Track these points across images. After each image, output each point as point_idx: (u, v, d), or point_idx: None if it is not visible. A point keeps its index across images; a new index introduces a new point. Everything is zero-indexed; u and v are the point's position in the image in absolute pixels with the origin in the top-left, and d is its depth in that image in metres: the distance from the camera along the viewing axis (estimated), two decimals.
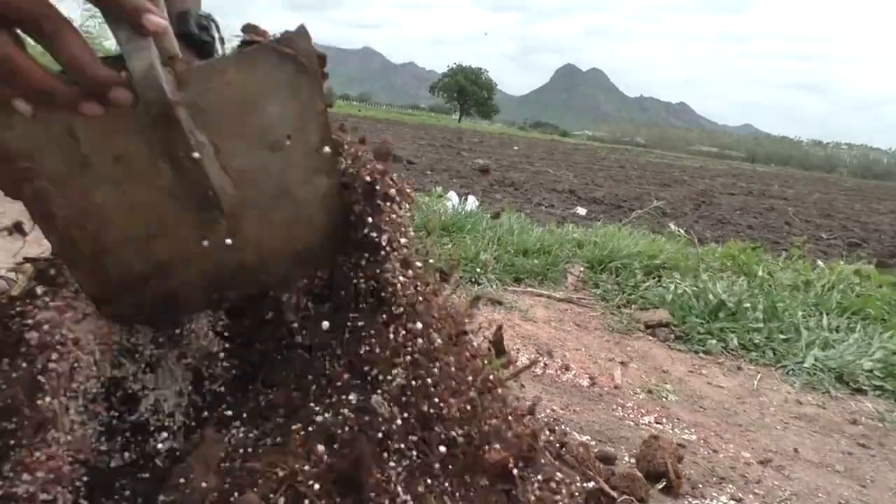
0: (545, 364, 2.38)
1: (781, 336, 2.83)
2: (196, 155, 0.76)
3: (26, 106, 0.62)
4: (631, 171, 20.16)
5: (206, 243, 0.86)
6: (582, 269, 3.44)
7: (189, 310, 0.96)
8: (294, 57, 0.76)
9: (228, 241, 0.87)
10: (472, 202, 5.75)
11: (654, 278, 3.34)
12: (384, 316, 0.92)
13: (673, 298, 3.04)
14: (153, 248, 0.85)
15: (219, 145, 0.78)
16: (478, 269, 3.20)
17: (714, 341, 2.77)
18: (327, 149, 0.85)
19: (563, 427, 1.87)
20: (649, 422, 2.05)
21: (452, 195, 6.07)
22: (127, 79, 0.65)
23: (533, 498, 0.91)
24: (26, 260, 0.96)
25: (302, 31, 0.76)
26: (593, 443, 1.82)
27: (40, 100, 0.61)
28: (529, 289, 3.17)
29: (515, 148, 25.06)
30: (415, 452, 0.86)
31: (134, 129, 0.73)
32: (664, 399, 2.24)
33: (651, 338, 2.82)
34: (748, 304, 2.96)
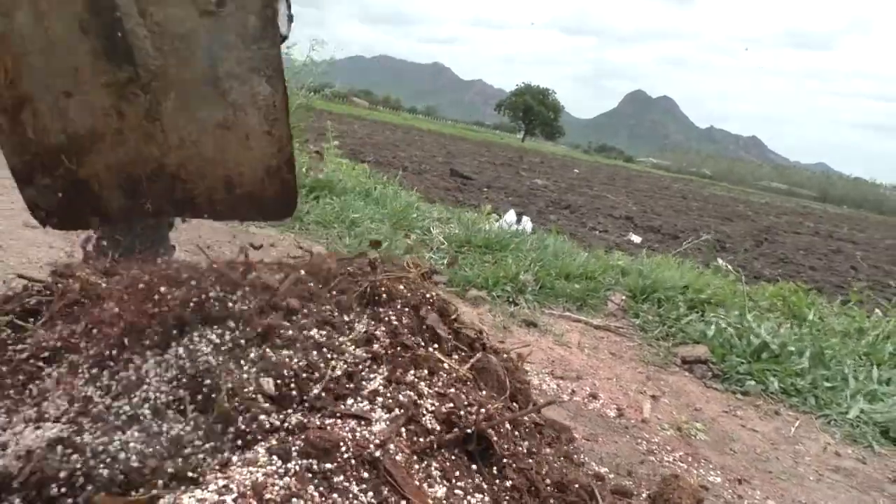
0: (572, 391, 2.34)
1: (826, 384, 2.71)
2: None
3: None
4: (693, 202, 19.72)
5: (120, 118, 0.82)
6: (623, 297, 3.37)
7: (107, 212, 0.92)
8: None
9: (146, 125, 0.82)
10: (526, 223, 5.72)
11: (697, 312, 3.24)
12: None
13: (714, 335, 2.95)
14: (69, 111, 0.83)
15: None
16: (514, 289, 3.17)
17: (753, 383, 2.67)
18: (269, 47, 0.80)
19: (581, 456, 1.84)
20: (674, 459, 1.99)
21: (510, 215, 6.03)
22: None
23: None
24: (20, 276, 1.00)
25: None
26: (611, 475, 1.77)
27: None
28: (567, 313, 3.13)
29: (576, 171, 24.83)
30: None
31: None
32: (693, 437, 2.17)
33: (687, 373, 2.74)
34: (794, 348, 2.85)
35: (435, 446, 1.03)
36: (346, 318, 1.05)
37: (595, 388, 2.40)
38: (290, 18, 1.21)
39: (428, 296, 1.17)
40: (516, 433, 1.21)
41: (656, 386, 2.56)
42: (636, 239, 8.36)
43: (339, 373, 1.05)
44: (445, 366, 1.10)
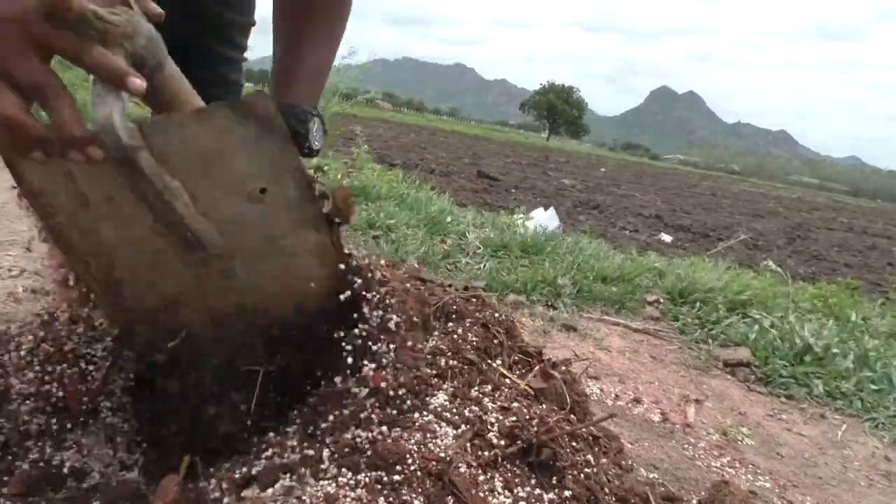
0: (616, 395, 2.35)
1: (872, 386, 2.68)
2: (166, 198, 0.85)
3: (39, 154, 0.77)
4: (723, 199, 19.51)
5: (201, 280, 0.95)
6: (661, 299, 3.37)
7: (202, 350, 1.03)
8: (255, 116, 0.84)
9: (222, 281, 0.97)
10: (551, 217, 5.70)
11: (737, 315, 3.22)
12: None
13: (756, 337, 2.93)
14: (159, 283, 0.96)
15: (195, 193, 0.87)
16: (552, 293, 3.18)
17: (797, 386, 2.65)
18: (310, 204, 0.93)
19: (630, 462, 1.84)
20: (721, 465, 1.99)
21: (538, 213, 6.02)
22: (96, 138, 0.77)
23: None
24: None
25: (261, 96, 0.85)
26: (660, 481, 1.78)
27: (41, 148, 0.76)
28: (606, 317, 3.13)
29: (603, 170, 24.71)
30: None
31: (117, 175, 0.84)
32: (739, 442, 2.17)
33: (729, 377, 2.73)
34: (837, 350, 2.82)
35: (499, 459, 1.06)
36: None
37: (638, 392, 2.41)
38: (324, 132, 1.36)
39: (497, 315, 1.20)
40: (574, 444, 1.22)
41: (699, 390, 2.55)
42: (667, 238, 8.32)
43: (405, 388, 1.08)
44: (508, 381, 1.13)
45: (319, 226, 0.95)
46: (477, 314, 1.20)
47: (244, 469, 0.94)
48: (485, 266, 3.48)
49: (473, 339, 1.15)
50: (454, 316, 1.18)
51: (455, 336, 1.15)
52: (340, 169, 5.00)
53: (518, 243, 3.81)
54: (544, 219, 5.47)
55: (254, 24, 1.88)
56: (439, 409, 1.07)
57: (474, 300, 1.28)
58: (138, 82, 0.75)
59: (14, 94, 0.71)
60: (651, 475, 1.79)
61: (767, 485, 1.91)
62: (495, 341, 1.17)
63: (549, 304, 3.13)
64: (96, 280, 0.97)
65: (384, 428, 1.01)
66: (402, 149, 15.67)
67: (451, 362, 1.11)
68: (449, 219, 4.21)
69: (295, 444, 0.98)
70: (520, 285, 3.19)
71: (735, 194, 24.14)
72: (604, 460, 1.32)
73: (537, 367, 1.23)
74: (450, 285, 1.31)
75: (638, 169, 33.70)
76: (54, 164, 0.82)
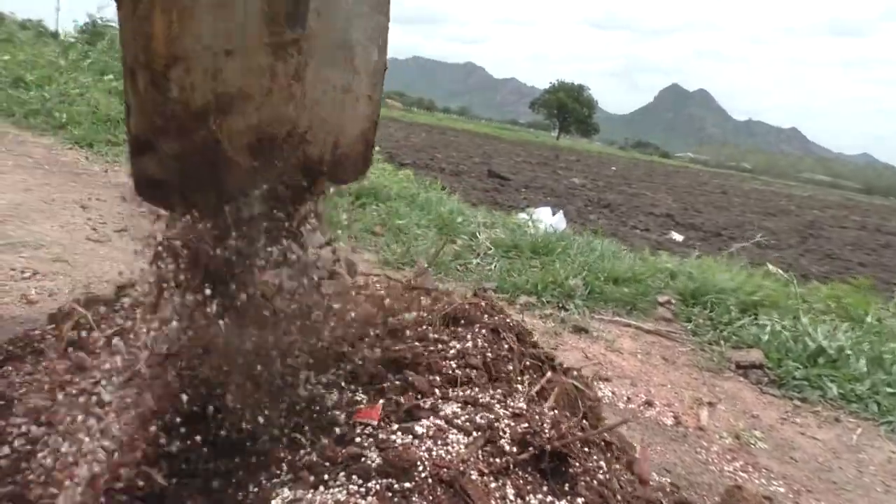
0: (628, 398, 2.33)
1: (888, 389, 2.65)
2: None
3: None
4: (734, 197, 19.39)
5: (269, 76, 0.84)
6: (673, 301, 3.34)
7: (227, 180, 0.90)
8: None
9: (289, 84, 0.86)
10: (559, 221, 5.68)
11: (749, 316, 3.20)
12: None
13: (769, 339, 2.90)
14: (223, 69, 0.84)
15: None
16: (563, 294, 3.17)
17: (811, 388, 2.63)
18: (385, 18, 0.89)
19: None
20: (734, 469, 1.97)
21: (545, 213, 5.99)
22: None
23: None
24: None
25: None
26: (673, 486, 1.77)
27: None
28: (617, 318, 3.11)
29: (613, 168, 24.61)
30: None
31: None
32: (752, 446, 2.15)
33: (742, 379, 2.71)
34: (851, 352, 2.79)
35: (511, 466, 1.05)
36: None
37: (650, 394, 2.39)
38: None
39: (508, 321, 1.20)
40: (586, 450, 1.21)
41: (711, 392, 2.53)
42: (678, 237, 8.26)
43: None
44: (520, 387, 1.12)
45: (383, 47, 0.92)
46: (486, 319, 1.19)
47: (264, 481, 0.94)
48: (495, 267, 3.47)
49: (484, 344, 1.15)
50: (463, 322, 1.17)
51: (465, 342, 1.14)
52: None
53: (529, 244, 3.79)
54: (553, 221, 5.46)
55: None
56: (451, 415, 1.06)
57: (484, 304, 1.27)
58: None
59: None
60: (664, 479, 1.78)
61: (781, 489, 1.89)
62: (506, 346, 1.16)
63: (561, 305, 3.12)
64: (149, 49, 0.82)
65: (395, 435, 1.00)
66: (413, 148, 15.66)
67: (462, 369, 1.10)
68: (460, 219, 4.20)
69: (304, 452, 0.98)
70: (531, 286, 3.18)
71: (746, 192, 23.99)
72: (616, 466, 1.31)
73: (549, 373, 1.22)
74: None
75: (648, 167, 33.56)
76: None
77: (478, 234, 3.94)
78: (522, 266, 3.51)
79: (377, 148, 5.17)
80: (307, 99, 0.88)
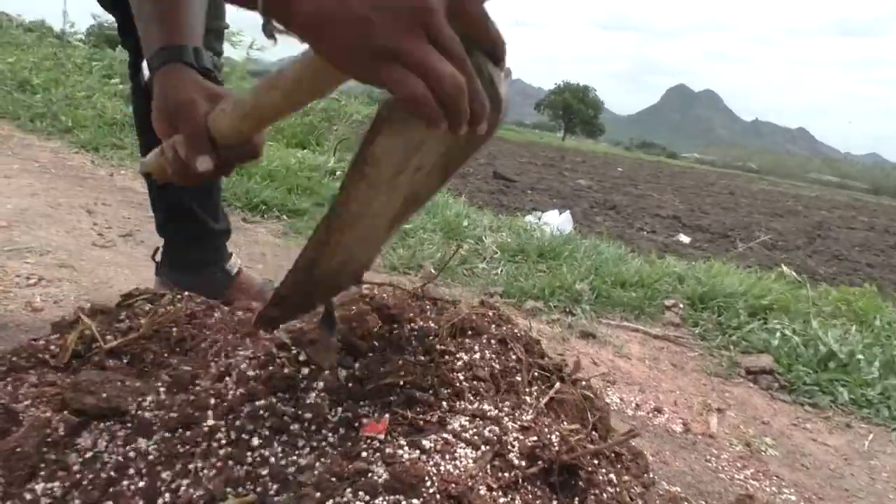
0: (636, 405, 2.31)
1: None
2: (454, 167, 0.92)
3: (444, 123, 0.71)
4: (741, 198, 19.32)
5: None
6: (681, 305, 3.32)
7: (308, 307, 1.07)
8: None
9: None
10: (565, 221, 5.66)
11: (759, 320, 3.17)
12: None
13: (779, 344, 2.88)
14: (364, 244, 0.98)
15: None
16: (570, 299, 3.15)
17: (822, 394, 2.60)
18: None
19: (652, 476, 1.81)
20: (745, 477, 1.95)
21: (552, 216, 5.97)
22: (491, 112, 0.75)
23: None
24: None
25: None
26: (683, 495, 1.75)
27: (452, 113, 0.69)
28: (625, 323, 3.09)
29: (619, 169, 24.57)
30: None
31: (446, 143, 0.84)
32: (762, 453, 2.12)
33: (752, 384, 2.68)
34: (862, 356, 2.76)
35: (520, 480, 1.03)
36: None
37: (659, 401, 2.37)
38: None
39: (515, 331, 1.18)
40: (596, 462, 1.20)
41: (721, 398, 2.51)
42: (685, 239, 8.23)
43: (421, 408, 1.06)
44: (528, 399, 1.10)
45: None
46: (493, 329, 1.18)
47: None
48: (502, 271, 3.45)
49: (491, 356, 1.13)
50: (470, 332, 1.16)
51: (472, 353, 1.12)
52: None
53: (535, 248, 3.77)
54: (559, 222, 5.44)
55: (227, 27, 1.90)
56: (458, 429, 1.04)
57: (491, 314, 1.26)
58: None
59: (415, 76, 0.66)
60: (673, 489, 1.76)
61: (792, 498, 1.87)
62: (514, 357, 1.14)
63: (568, 310, 3.10)
64: (313, 248, 0.93)
65: (402, 449, 0.99)
66: None
67: (469, 381, 1.08)
68: (465, 223, 4.19)
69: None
70: (537, 291, 3.16)
71: (754, 193, 23.90)
72: (626, 477, 1.29)
73: (557, 384, 1.20)
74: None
75: (655, 168, 33.47)
76: (413, 136, 0.79)
77: (484, 237, 3.93)
78: (529, 270, 3.49)
79: None
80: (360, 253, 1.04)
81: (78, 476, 0.91)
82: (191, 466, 0.93)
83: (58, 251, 2.63)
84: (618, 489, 1.17)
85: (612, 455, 1.28)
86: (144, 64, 1.14)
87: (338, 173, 5.14)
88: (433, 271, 3.25)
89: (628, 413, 2.24)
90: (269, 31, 0.72)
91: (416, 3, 0.65)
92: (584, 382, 1.29)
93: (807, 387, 2.64)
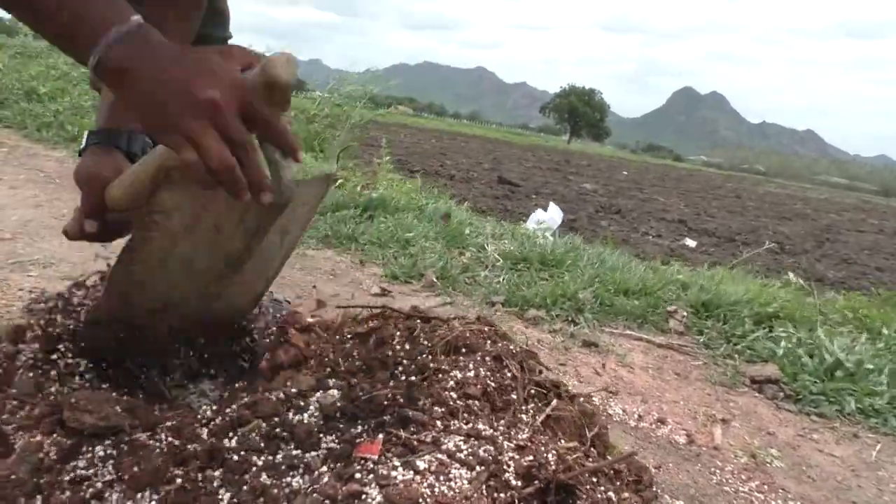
0: (639, 416, 2.29)
1: None
2: (266, 232, 1.05)
3: (217, 188, 0.89)
4: (748, 201, 19.24)
5: (211, 289, 1.13)
6: (685, 313, 3.30)
7: (164, 344, 1.21)
8: (328, 183, 1.20)
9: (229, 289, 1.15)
10: (553, 212, 5.70)
11: (764, 328, 3.14)
12: None
13: (784, 352, 2.85)
14: (177, 289, 1.11)
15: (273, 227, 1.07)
16: (573, 307, 3.13)
17: (829, 403, 2.57)
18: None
19: (655, 490, 1.79)
20: (749, 490, 1.92)
21: (540, 213, 6.01)
22: (273, 184, 0.93)
23: None
24: None
25: (329, 175, 1.26)
26: None
27: (224, 185, 0.88)
28: (628, 331, 3.07)
29: (625, 173, 24.52)
30: None
31: (239, 209, 0.98)
32: (768, 465, 2.10)
33: (757, 394, 2.66)
34: (870, 365, 2.73)
35: (516, 501, 1.02)
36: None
37: (662, 412, 2.35)
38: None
39: (511, 347, 1.17)
40: (594, 479, 1.18)
41: (725, 408, 2.48)
42: (691, 243, 8.20)
43: (416, 427, 1.04)
44: (524, 417, 1.09)
45: (286, 256, 1.25)
46: (489, 346, 1.16)
47: None
48: (504, 280, 3.44)
49: (485, 374, 1.12)
50: (464, 350, 1.14)
51: (467, 371, 1.11)
52: (359, 181, 4.99)
53: (538, 255, 3.76)
54: (548, 217, 5.50)
55: (230, 37, 1.91)
56: (453, 449, 1.03)
57: (486, 330, 1.24)
58: (302, 155, 0.96)
59: (225, 146, 0.86)
60: (676, 503, 1.74)
61: None
62: (509, 374, 1.13)
63: (570, 318, 3.08)
64: (122, 281, 1.11)
65: (396, 470, 0.98)
66: (423, 155, 15.67)
67: (463, 400, 1.07)
68: (467, 230, 4.18)
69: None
70: (539, 300, 3.15)
71: (761, 196, 23.80)
72: (626, 494, 1.27)
73: (554, 401, 1.19)
74: (462, 318, 1.28)
75: (661, 171, 33.39)
76: (198, 195, 0.98)
77: (486, 245, 3.92)
78: (531, 279, 3.48)
79: (386, 157, 5.15)
80: (228, 298, 1.18)
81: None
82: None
83: (61, 263, 2.63)
84: None
85: (612, 472, 1.26)
86: (85, 134, 1.40)
87: (338, 182, 5.15)
88: (435, 280, 3.25)
89: (631, 424, 2.22)
90: (95, 86, 1.01)
91: (205, 98, 0.83)
92: (582, 399, 1.28)
93: (813, 396, 2.61)
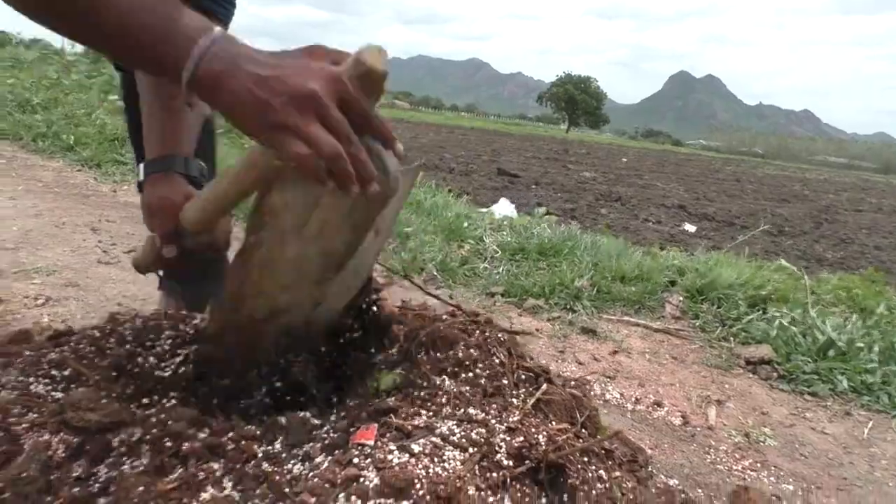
0: (636, 399, 2.34)
1: None
2: (370, 228, 1.04)
3: (331, 182, 0.89)
4: (747, 184, 19.23)
5: (314, 295, 1.11)
6: (681, 298, 3.34)
7: (258, 358, 1.16)
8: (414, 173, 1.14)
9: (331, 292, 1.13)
10: (505, 207, 5.88)
11: (758, 310, 3.19)
12: None
13: (777, 334, 2.90)
14: (283, 295, 1.08)
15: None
16: (571, 295, 3.18)
17: (821, 382, 2.62)
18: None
19: (649, 469, 1.84)
20: (742, 468, 1.97)
21: (503, 204, 6.20)
22: (378, 175, 0.92)
23: None
24: None
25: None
26: (680, 487, 1.78)
27: (337, 171, 0.87)
28: (625, 317, 3.12)
29: (624, 159, 24.50)
30: None
31: (346, 204, 0.97)
32: (761, 443, 2.15)
33: (751, 375, 2.71)
34: (862, 344, 2.78)
35: (508, 480, 1.07)
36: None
37: (659, 395, 2.40)
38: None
39: (498, 335, 1.22)
40: (585, 460, 1.23)
41: (720, 390, 2.53)
42: (691, 228, 8.23)
43: (410, 411, 1.09)
44: (515, 401, 1.14)
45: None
46: (477, 335, 1.22)
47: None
48: (503, 271, 3.49)
49: (477, 362, 1.17)
50: (452, 340, 1.20)
51: (457, 359, 1.16)
52: None
53: (536, 246, 3.80)
54: (508, 210, 5.76)
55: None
56: (447, 433, 1.08)
57: (471, 320, 1.29)
58: (400, 146, 0.96)
59: (301, 142, 0.85)
60: (671, 481, 1.79)
61: (790, 488, 1.90)
62: (497, 361, 1.18)
63: (568, 306, 3.13)
64: (234, 291, 1.07)
65: (392, 454, 1.02)
66: (422, 149, 15.70)
67: (456, 387, 1.12)
68: (466, 223, 4.22)
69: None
70: (538, 289, 3.19)
71: (759, 179, 23.78)
72: (617, 473, 1.32)
73: (544, 385, 1.24)
74: (459, 309, 1.33)
75: (660, 157, 33.34)
76: (308, 192, 0.96)
77: (485, 237, 3.96)
78: (530, 269, 3.52)
79: None
80: (326, 304, 1.15)
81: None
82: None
83: (64, 270, 2.68)
84: (608, 485, 1.20)
85: (602, 452, 1.31)
86: (141, 167, 1.38)
87: None
88: (436, 273, 3.29)
89: (628, 407, 2.28)
90: (189, 102, 0.94)
91: (306, 91, 0.84)
92: (573, 382, 1.32)
93: (806, 376, 2.66)
